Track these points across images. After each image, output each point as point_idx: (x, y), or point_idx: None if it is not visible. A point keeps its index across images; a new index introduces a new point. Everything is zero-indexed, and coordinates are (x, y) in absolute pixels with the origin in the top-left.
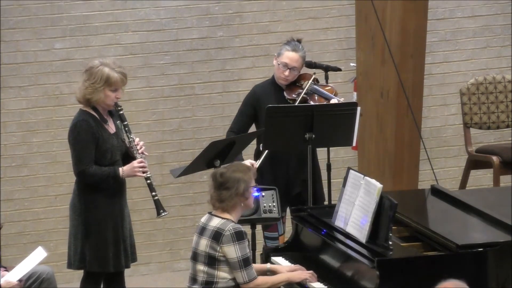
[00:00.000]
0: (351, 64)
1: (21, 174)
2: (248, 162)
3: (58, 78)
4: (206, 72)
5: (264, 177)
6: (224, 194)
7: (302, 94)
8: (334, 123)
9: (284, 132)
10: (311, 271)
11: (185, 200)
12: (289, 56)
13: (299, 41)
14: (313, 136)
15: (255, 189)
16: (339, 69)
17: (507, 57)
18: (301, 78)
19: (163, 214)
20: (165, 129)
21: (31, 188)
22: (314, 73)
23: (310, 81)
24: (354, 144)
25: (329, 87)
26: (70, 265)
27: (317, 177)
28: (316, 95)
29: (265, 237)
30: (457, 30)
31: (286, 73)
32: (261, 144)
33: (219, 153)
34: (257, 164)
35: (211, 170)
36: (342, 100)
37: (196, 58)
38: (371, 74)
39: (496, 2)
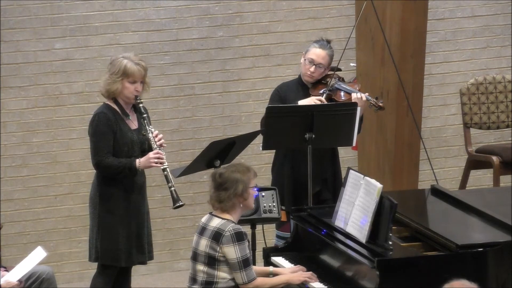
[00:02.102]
0: (351, 64)
1: (21, 174)
2: (314, 99)
3: (58, 78)
4: (206, 72)
5: (284, 175)
6: (222, 195)
7: (327, 91)
8: (334, 123)
9: (284, 132)
10: (310, 272)
11: (185, 200)
12: (316, 52)
13: (328, 41)
14: (313, 136)
15: (255, 189)
16: (339, 69)
17: (507, 57)
18: (327, 77)
19: (179, 204)
20: (165, 129)
21: (31, 188)
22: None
23: (334, 78)
24: (354, 144)
25: (356, 85)
26: (90, 258)
27: (338, 176)
28: (341, 91)
29: (277, 236)
30: (457, 30)
31: (312, 69)
32: (261, 144)
33: (219, 153)
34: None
35: (211, 170)
36: (366, 94)
37: (196, 58)
38: (371, 74)
39: (496, 2)
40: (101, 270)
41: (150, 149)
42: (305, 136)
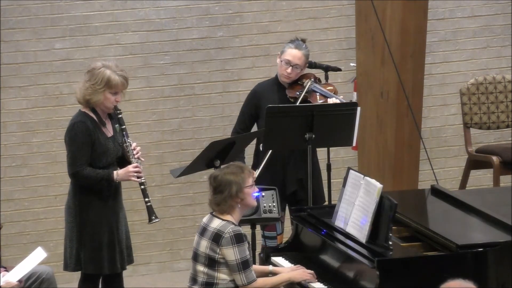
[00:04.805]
0: (351, 64)
1: (21, 174)
2: None
3: (58, 78)
4: (206, 72)
5: (261, 175)
6: (218, 198)
7: (303, 93)
8: (334, 123)
9: (284, 132)
10: (311, 271)
11: (185, 200)
12: (292, 53)
13: (303, 40)
14: (313, 136)
15: (255, 187)
16: (339, 69)
17: (507, 57)
18: (304, 77)
19: (154, 220)
20: (165, 129)
21: (31, 188)
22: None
23: (311, 80)
24: (354, 144)
25: (330, 86)
26: (66, 267)
27: (316, 176)
28: (317, 93)
29: (264, 236)
30: (457, 30)
31: (289, 70)
32: (261, 144)
33: (219, 153)
34: (256, 173)
35: (211, 170)
36: (341, 97)
37: (196, 58)
38: (371, 74)
39: (496, 2)
40: (86, 276)
41: (124, 159)
42: (305, 136)
